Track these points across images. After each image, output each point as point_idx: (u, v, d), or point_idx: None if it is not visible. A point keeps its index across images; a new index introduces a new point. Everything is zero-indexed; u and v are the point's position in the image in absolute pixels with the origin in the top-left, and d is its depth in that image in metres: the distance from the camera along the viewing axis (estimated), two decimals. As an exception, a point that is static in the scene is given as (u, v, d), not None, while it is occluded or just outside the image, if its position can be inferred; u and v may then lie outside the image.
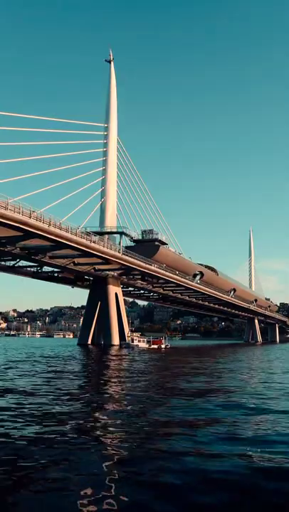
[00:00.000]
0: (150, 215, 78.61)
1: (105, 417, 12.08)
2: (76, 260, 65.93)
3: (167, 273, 78.28)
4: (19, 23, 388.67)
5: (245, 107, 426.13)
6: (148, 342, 70.82)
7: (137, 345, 67.44)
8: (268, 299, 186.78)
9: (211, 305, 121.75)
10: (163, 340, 73.25)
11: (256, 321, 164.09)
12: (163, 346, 70.10)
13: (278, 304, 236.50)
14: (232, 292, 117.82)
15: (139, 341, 69.86)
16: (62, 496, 6.37)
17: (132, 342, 69.08)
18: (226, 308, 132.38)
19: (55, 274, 75.14)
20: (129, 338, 69.58)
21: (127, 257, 67.09)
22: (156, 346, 68.98)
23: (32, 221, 49.70)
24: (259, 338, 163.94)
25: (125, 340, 71.15)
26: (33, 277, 74.78)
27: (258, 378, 24.63)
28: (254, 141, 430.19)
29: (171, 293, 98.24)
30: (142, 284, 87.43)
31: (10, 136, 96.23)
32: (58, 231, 53.47)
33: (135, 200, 76.72)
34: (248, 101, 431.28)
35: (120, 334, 74.34)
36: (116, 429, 10.63)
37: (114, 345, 70.94)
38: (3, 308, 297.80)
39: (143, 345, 69.09)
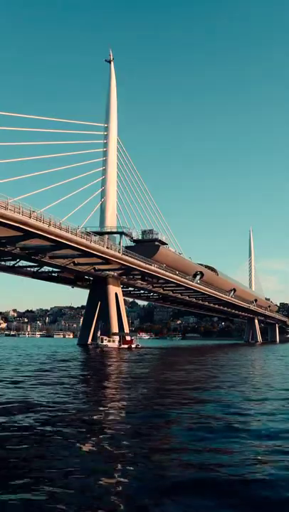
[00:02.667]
0: (150, 215, 78.71)
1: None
2: (76, 260, 65.93)
3: (167, 273, 78.25)
4: (19, 23, 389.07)
5: (245, 107, 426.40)
6: (118, 342, 70.08)
7: (106, 345, 66.89)
8: (268, 299, 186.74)
9: (211, 305, 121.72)
10: (134, 340, 71.81)
11: (256, 321, 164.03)
12: (133, 346, 68.91)
13: (278, 304, 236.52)
14: (232, 292, 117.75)
15: (108, 341, 68.78)
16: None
17: (102, 342, 68.06)
18: (226, 308, 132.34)
19: (55, 274, 75.12)
20: (100, 338, 68.90)
21: (127, 257, 67.07)
22: (126, 346, 67.76)
23: (32, 221, 49.70)
24: (259, 338, 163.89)
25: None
26: (33, 277, 74.75)
27: None
28: (254, 141, 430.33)
29: (171, 293, 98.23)
30: (142, 284, 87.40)
31: (10, 136, 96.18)
32: (58, 231, 53.47)
33: (135, 200, 76.81)
34: (248, 101, 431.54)
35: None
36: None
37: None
38: (3, 308, 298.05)
39: (113, 345, 68.19)
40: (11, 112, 57.94)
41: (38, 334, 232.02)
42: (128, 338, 73.49)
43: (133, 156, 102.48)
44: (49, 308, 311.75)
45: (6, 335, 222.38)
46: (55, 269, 71.37)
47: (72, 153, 67.27)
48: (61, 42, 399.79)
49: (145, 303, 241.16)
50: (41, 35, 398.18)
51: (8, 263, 65.53)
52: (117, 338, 71.09)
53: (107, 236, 69.50)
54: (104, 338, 68.79)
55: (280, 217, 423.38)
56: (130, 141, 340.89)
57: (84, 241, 58.28)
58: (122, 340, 70.51)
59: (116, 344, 68.73)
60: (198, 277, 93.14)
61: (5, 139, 56.98)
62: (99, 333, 69.12)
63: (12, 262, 65.53)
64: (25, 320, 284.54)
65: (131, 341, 71.01)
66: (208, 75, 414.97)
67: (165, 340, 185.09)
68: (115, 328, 72.79)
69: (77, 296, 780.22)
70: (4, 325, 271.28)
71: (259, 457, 8.33)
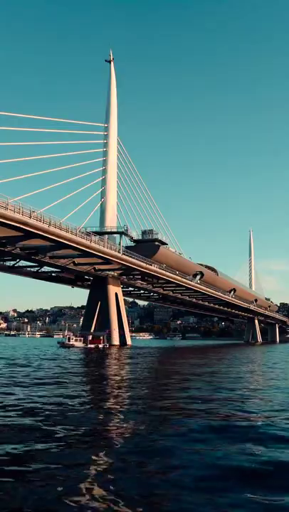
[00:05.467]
0: (150, 215, 78.73)
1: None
2: (76, 260, 65.97)
3: (167, 273, 78.26)
4: (19, 23, 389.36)
5: (245, 107, 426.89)
6: (84, 341, 69.27)
7: (73, 345, 66.92)
8: (268, 299, 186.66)
9: (211, 305, 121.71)
10: (103, 339, 69.99)
11: (256, 321, 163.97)
12: (101, 346, 67.60)
13: (278, 304, 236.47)
14: (232, 292, 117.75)
15: (75, 341, 69.08)
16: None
17: (68, 341, 68.00)
18: (226, 309, 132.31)
19: (55, 274, 75.15)
20: (66, 337, 68.61)
21: (127, 257, 67.08)
22: (93, 346, 66.79)
23: (32, 221, 49.77)
24: (259, 338, 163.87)
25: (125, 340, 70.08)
26: (33, 277, 74.78)
27: None
28: (254, 141, 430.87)
29: (171, 293, 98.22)
30: (141, 284, 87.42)
31: (10, 136, 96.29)
32: (58, 231, 53.52)
33: (135, 200, 76.83)
34: (247, 101, 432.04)
35: (120, 334, 74.49)
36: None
37: (114, 345, 70.99)
38: (3, 308, 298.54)
39: (80, 344, 68.28)
40: (11, 112, 58.07)
41: (38, 334, 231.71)
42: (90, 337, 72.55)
43: (133, 156, 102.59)
44: (49, 308, 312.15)
45: (6, 335, 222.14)
46: (55, 269, 71.38)
47: (72, 153, 67.37)
48: (61, 42, 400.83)
49: (145, 303, 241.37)
50: (41, 35, 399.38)
51: (8, 263, 65.58)
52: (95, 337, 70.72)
53: (107, 236, 69.53)
54: (71, 337, 68.84)
55: (280, 217, 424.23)
56: (130, 141, 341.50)
57: (84, 241, 58.31)
58: (89, 340, 69.61)
59: (83, 344, 68.90)
60: (198, 277, 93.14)
61: (5, 139, 57.14)
62: (66, 332, 69.15)
63: (12, 262, 65.57)
64: (26, 320, 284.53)
65: (99, 341, 69.44)
66: (208, 75, 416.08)
67: (165, 341, 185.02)
68: (115, 328, 72.88)
69: (77, 296, 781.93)
70: (4, 325, 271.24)
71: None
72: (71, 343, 67.95)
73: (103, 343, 68.86)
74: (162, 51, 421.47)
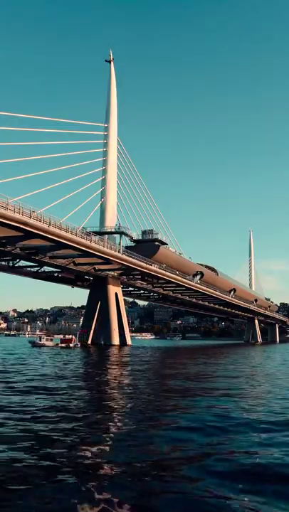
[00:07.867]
0: (150, 215, 78.64)
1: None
2: (76, 260, 65.96)
3: (167, 273, 78.23)
4: (19, 23, 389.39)
5: (245, 107, 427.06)
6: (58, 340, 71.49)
7: (44, 345, 68.33)
8: (268, 299, 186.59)
9: (211, 305, 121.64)
10: (74, 339, 70.14)
11: (256, 321, 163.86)
12: (72, 345, 67.29)
13: (278, 304, 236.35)
14: (232, 292, 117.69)
15: (46, 340, 71.40)
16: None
17: (40, 341, 69.73)
18: (226, 309, 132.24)
19: (55, 274, 75.12)
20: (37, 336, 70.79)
21: (127, 257, 67.07)
22: (64, 345, 67.31)
23: (32, 221, 49.74)
24: (259, 338, 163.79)
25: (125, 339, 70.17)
26: (33, 277, 74.77)
27: None
28: (254, 141, 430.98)
29: (171, 293, 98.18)
30: (141, 284, 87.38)
31: (10, 136, 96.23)
32: (58, 231, 53.50)
33: (135, 200, 76.74)
34: (247, 101, 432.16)
35: (120, 334, 74.48)
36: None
37: (114, 345, 70.99)
38: (3, 308, 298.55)
39: (50, 344, 70.05)
40: (11, 112, 57.96)
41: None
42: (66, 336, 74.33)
43: (133, 156, 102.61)
44: (49, 308, 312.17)
45: (6, 335, 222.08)
46: (55, 269, 71.37)
47: (72, 153, 67.27)
48: (61, 42, 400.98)
49: (145, 303, 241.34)
50: (41, 35, 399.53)
51: (8, 263, 65.56)
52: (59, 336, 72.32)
53: (107, 236, 69.51)
54: (43, 336, 69.92)
55: (280, 217, 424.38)
56: (130, 141, 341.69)
57: (84, 241, 58.29)
58: (61, 339, 71.43)
59: (53, 343, 70.41)
60: (198, 277, 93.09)
61: (5, 139, 57.09)
62: (37, 331, 70.23)
63: (12, 262, 65.55)
64: (26, 320, 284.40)
65: (70, 340, 69.88)
66: (208, 75, 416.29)
67: (165, 341, 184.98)
68: (115, 328, 72.90)
69: (77, 296, 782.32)
70: (4, 325, 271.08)
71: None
72: (42, 342, 70.01)
73: (74, 342, 69.23)
74: (162, 51, 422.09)
